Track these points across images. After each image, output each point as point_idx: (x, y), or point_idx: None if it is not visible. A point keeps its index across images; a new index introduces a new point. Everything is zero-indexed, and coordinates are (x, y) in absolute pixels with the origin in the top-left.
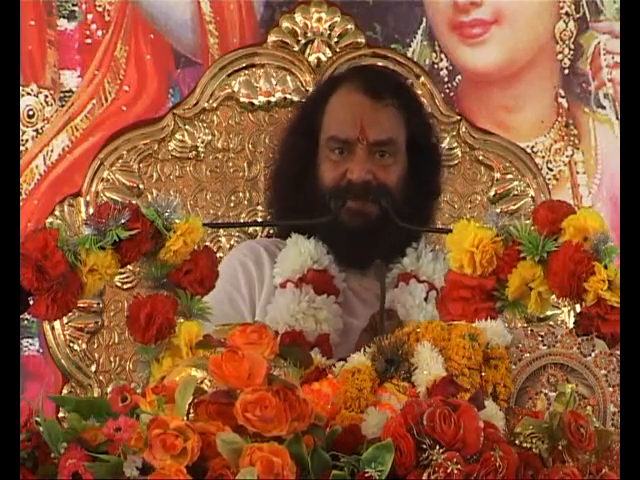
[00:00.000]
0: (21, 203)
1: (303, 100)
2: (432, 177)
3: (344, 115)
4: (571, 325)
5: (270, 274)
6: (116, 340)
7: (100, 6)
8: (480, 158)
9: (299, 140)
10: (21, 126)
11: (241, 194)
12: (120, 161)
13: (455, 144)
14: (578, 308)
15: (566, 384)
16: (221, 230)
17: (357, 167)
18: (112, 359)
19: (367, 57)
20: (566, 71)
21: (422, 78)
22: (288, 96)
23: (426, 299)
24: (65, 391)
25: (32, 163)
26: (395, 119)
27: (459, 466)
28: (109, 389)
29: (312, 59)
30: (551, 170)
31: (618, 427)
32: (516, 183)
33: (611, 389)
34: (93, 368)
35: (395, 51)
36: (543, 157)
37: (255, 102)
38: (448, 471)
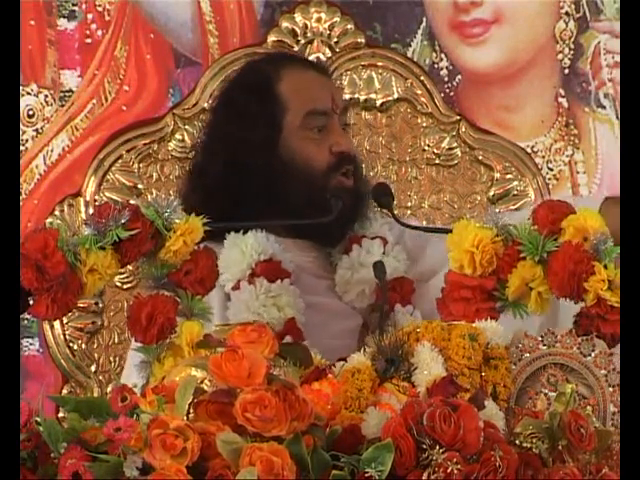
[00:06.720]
0: (21, 203)
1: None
2: None
3: (314, 88)
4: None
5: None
6: (116, 340)
7: (100, 6)
8: (480, 158)
9: (257, 130)
10: (21, 126)
11: None
12: (120, 161)
13: (455, 144)
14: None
15: (566, 384)
16: None
17: (342, 139)
18: (112, 359)
19: (367, 57)
20: (566, 71)
21: (422, 78)
22: None
23: (384, 253)
24: (65, 391)
25: (32, 163)
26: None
27: (459, 466)
28: (109, 389)
29: (312, 59)
30: (551, 170)
31: (618, 427)
32: (516, 183)
33: (611, 389)
34: (93, 368)
35: (395, 51)
36: (543, 157)
37: None
38: (448, 471)
